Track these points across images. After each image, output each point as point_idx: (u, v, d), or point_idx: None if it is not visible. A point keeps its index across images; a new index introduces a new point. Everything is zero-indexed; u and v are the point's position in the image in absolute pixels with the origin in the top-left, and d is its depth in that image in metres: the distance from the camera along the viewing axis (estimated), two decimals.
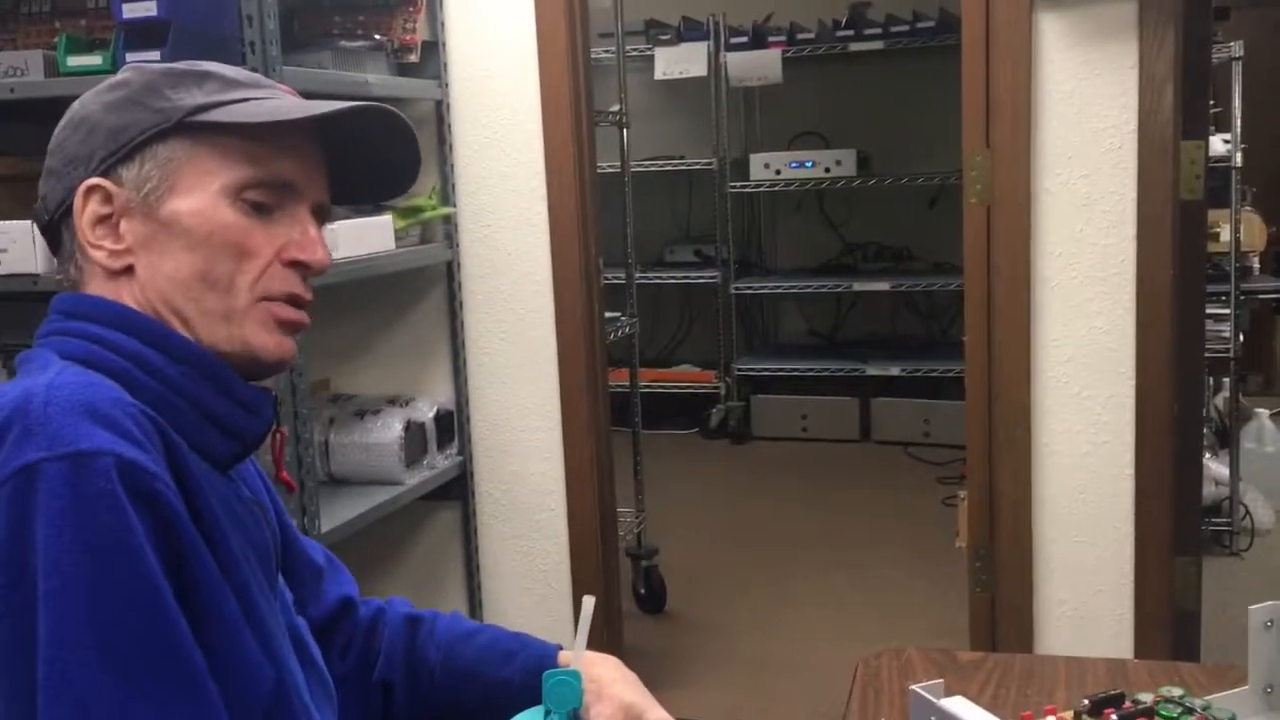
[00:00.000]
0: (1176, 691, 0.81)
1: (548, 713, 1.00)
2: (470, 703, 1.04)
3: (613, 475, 2.52)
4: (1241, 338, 3.09)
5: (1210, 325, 2.93)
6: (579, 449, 2.39)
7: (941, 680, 0.77)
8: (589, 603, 0.97)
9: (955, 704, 0.74)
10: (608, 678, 1.02)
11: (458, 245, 2.35)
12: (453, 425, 2.36)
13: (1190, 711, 0.78)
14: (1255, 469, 3.27)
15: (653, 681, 1.08)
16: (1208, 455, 3.28)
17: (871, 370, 4.38)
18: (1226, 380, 3.37)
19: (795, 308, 4.93)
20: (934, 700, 0.75)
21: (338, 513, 1.99)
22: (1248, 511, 3.11)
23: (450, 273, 2.35)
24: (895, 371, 4.35)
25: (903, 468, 4.14)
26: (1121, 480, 2.10)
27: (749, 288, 4.62)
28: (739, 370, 4.58)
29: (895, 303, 4.71)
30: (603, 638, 2.38)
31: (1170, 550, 2.17)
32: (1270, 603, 0.87)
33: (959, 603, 2.26)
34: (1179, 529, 2.21)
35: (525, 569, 2.45)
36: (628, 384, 3.08)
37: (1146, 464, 2.12)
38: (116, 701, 0.72)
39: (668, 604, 3.02)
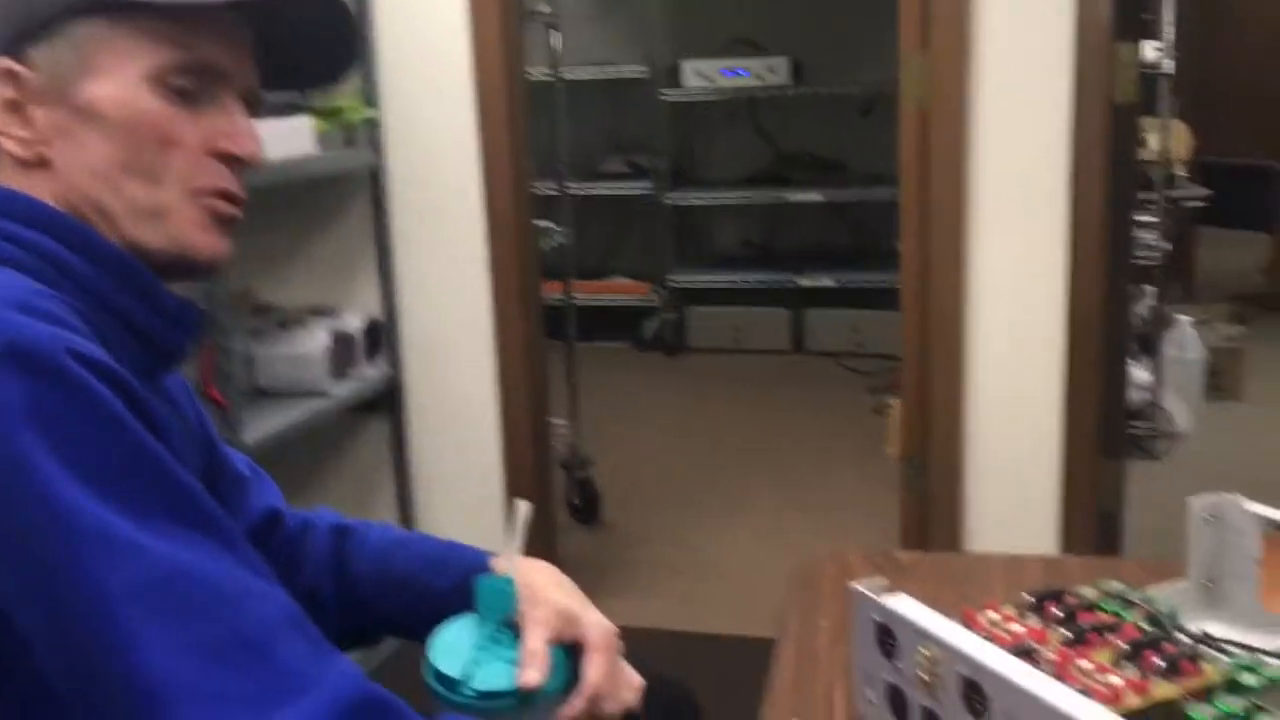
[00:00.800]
0: (1116, 585, 0.81)
1: (481, 620, 0.98)
2: (401, 613, 1.02)
3: (546, 386, 2.49)
4: (1169, 246, 3.11)
5: (1137, 232, 2.96)
6: (512, 359, 2.36)
7: (883, 579, 0.76)
8: (523, 507, 0.94)
9: (897, 601, 0.73)
10: (542, 583, 0.99)
11: (383, 150, 2.27)
12: (381, 336, 2.31)
13: (1131, 605, 0.78)
14: (1176, 375, 3.33)
15: (589, 591, 1.07)
16: (1131, 361, 3.34)
17: (804, 282, 4.38)
18: (1150, 288, 3.42)
19: (729, 219, 4.90)
20: (875, 597, 0.74)
21: (264, 425, 1.93)
22: (1168, 416, 3.17)
23: (375, 179, 2.27)
24: (828, 283, 4.35)
25: (834, 378, 4.16)
26: (1050, 384, 2.13)
27: (682, 199, 4.57)
28: (673, 282, 4.55)
29: (828, 214, 4.69)
30: (537, 549, 2.36)
31: (1096, 452, 2.22)
32: (1210, 495, 0.87)
33: (891, 508, 2.29)
34: (1105, 432, 2.25)
35: (458, 480, 2.42)
36: (561, 296, 3.03)
37: (1075, 368, 2.15)
38: (159, 550, 0.66)
39: (602, 515, 3.02)
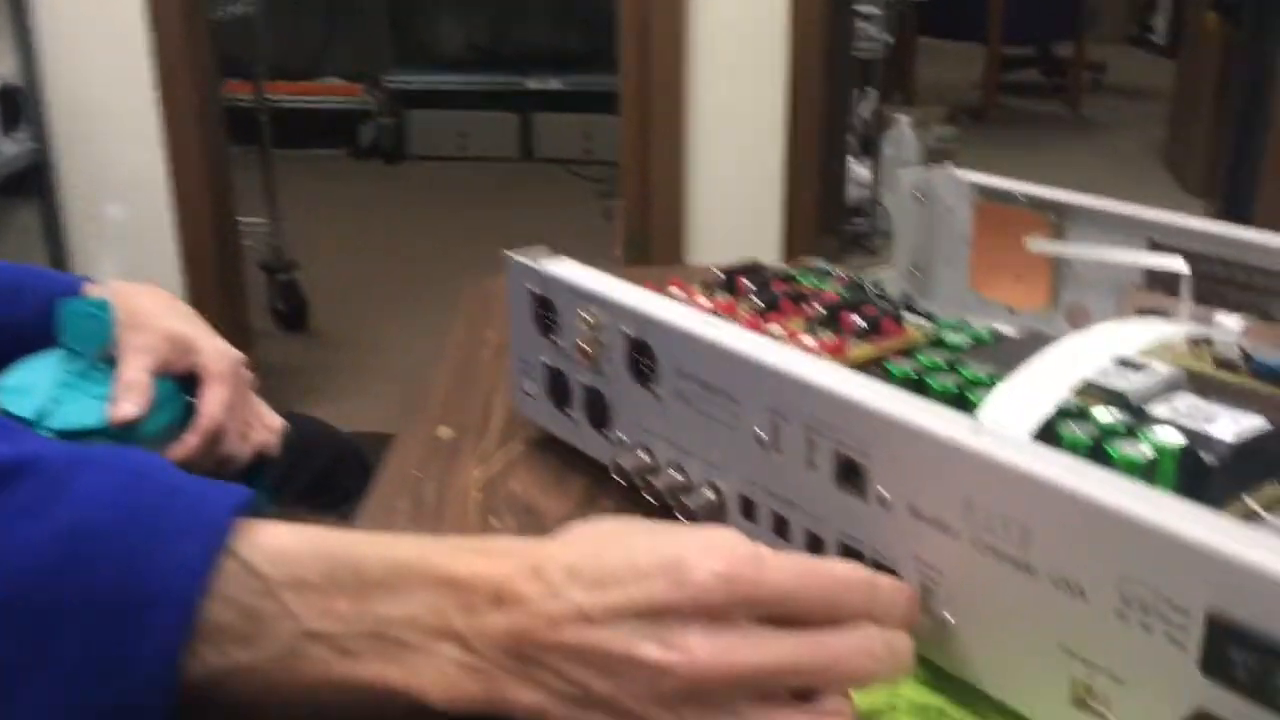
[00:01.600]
0: (818, 262, 0.71)
1: (69, 354, 0.78)
2: None
3: (226, 169, 2.21)
4: (890, 40, 3.10)
5: (859, 23, 2.92)
6: (184, 135, 2.06)
7: (544, 246, 0.62)
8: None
9: (557, 264, 0.59)
10: (148, 307, 0.81)
11: None
12: (22, 105, 1.96)
13: (829, 275, 0.67)
14: (895, 173, 3.38)
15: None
16: (851, 159, 3.35)
17: (532, 84, 4.16)
18: (872, 90, 3.44)
19: (452, 17, 4.57)
20: (532, 264, 0.60)
21: None
22: (885, 212, 3.22)
23: None
24: (557, 86, 4.15)
25: (565, 185, 4.01)
26: (772, 182, 2.10)
27: None
28: (391, 84, 4.22)
29: (558, 14, 4.45)
30: None
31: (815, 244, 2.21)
32: (920, 168, 0.78)
33: None
34: (823, 222, 2.25)
35: (129, 277, 2.13)
36: (253, 96, 2.69)
37: (796, 161, 2.12)
38: None
39: (311, 321, 2.79)
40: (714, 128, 2.07)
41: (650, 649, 0.38)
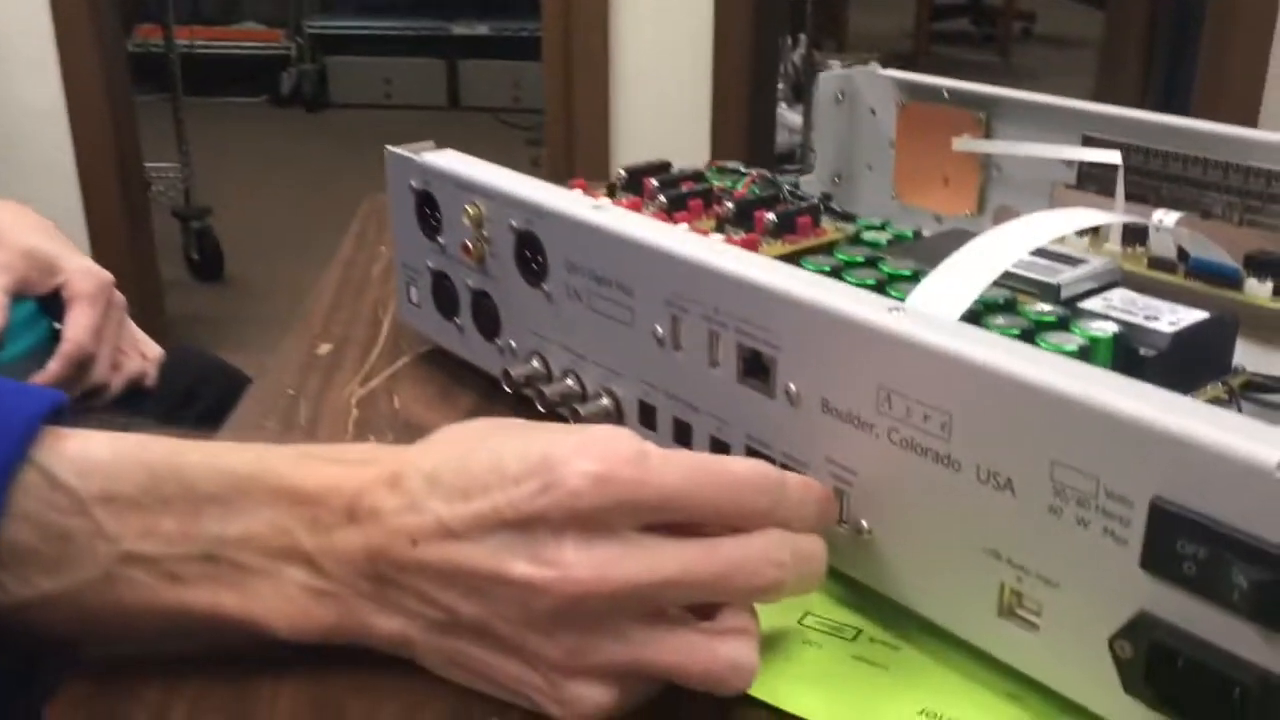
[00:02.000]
0: (732, 163, 0.66)
1: None
2: None
3: (131, 111, 2.10)
4: None
5: None
6: (83, 73, 1.95)
7: (431, 141, 0.56)
8: None
9: (439, 156, 0.53)
10: (6, 224, 0.73)
11: None
12: None
13: (742, 174, 0.62)
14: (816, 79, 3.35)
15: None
16: (783, 106, 3.31)
17: (458, 30, 4.05)
18: (802, 36, 3.39)
19: None
20: (414, 157, 0.54)
21: None
22: (817, 158, 3.17)
23: None
24: (484, 31, 4.04)
25: (493, 133, 3.92)
26: (699, 127, 2.06)
27: None
28: (311, 29, 4.08)
29: None
30: (141, 307, 2.05)
31: None
32: (843, 69, 0.73)
33: None
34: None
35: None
36: (162, 41, 2.58)
37: (723, 105, 2.07)
38: None
39: (226, 269, 2.69)
40: (639, 72, 2.02)
41: (519, 565, 0.33)
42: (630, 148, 2.06)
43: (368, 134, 4.02)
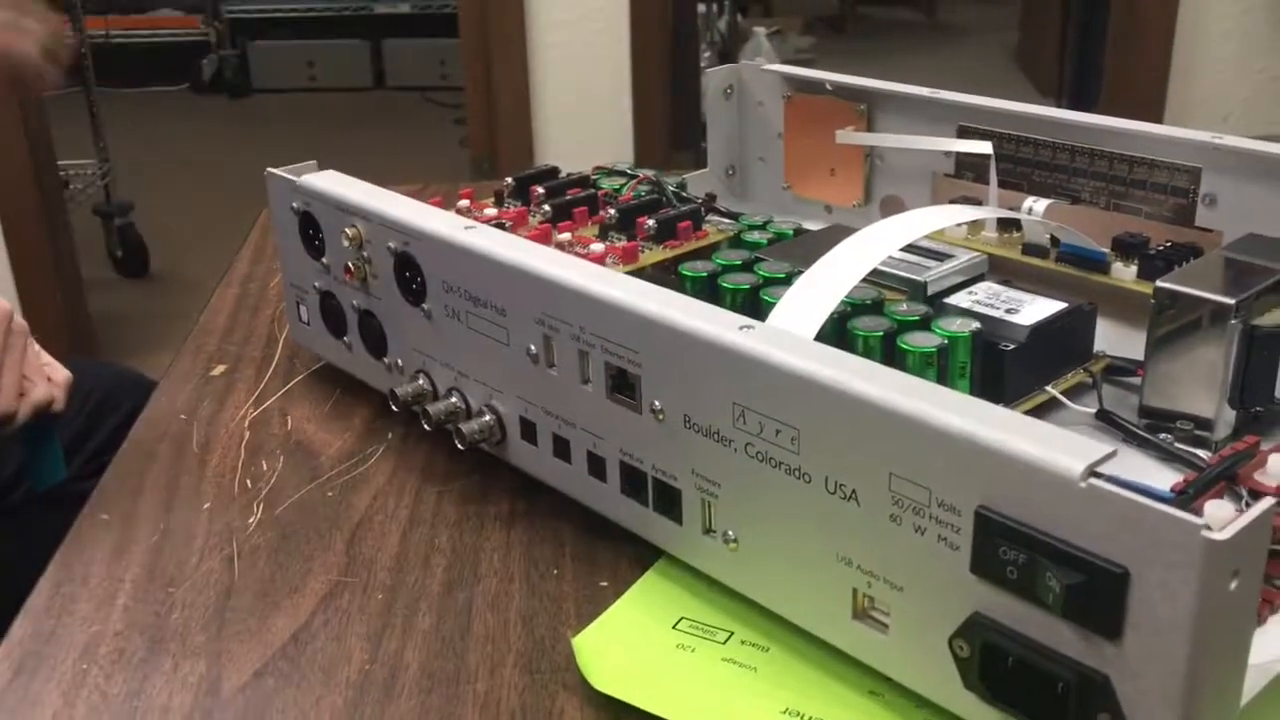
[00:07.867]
0: (621, 165, 0.66)
1: None
2: None
3: (41, 105, 2.06)
4: None
5: None
6: None
7: (314, 161, 0.56)
8: None
9: (319, 177, 0.54)
10: None
11: None
12: None
13: (630, 177, 0.63)
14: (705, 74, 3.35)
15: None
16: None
17: (381, 8, 3.99)
18: (727, 2, 3.39)
19: None
20: (293, 178, 0.54)
21: None
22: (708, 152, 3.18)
23: None
24: (406, 9, 3.99)
25: (420, 112, 3.87)
26: (620, 95, 2.04)
27: None
28: (230, 13, 4.00)
29: None
30: (56, 307, 2.02)
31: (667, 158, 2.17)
32: (726, 66, 0.74)
33: None
34: (680, 137, 2.21)
35: None
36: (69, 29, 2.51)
37: (643, 72, 2.07)
38: None
39: (152, 265, 2.65)
40: (557, 42, 2.01)
41: None
42: (553, 123, 2.05)
43: (292, 118, 3.98)
